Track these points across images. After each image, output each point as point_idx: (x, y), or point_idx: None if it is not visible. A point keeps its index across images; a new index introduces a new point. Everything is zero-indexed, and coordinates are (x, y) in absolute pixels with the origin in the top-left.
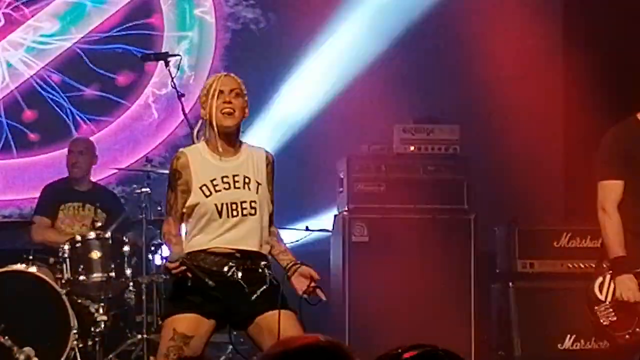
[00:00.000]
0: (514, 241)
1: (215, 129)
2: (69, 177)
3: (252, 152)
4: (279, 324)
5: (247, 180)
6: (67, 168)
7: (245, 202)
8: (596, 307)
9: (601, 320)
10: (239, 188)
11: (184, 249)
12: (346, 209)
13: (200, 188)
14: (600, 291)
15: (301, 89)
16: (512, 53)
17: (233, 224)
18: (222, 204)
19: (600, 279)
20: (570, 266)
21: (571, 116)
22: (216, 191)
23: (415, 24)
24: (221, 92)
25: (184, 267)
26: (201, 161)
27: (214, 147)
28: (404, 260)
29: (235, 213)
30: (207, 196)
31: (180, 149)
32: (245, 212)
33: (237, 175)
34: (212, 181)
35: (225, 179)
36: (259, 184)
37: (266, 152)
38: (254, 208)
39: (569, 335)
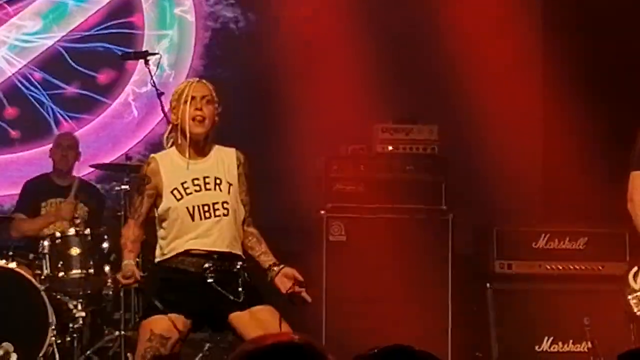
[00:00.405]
0: (492, 242)
1: (188, 135)
2: (50, 173)
3: (222, 153)
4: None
5: (218, 181)
6: (53, 161)
7: (217, 203)
8: (630, 297)
9: (634, 310)
10: (209, 190)
11: (162, 254)
12: (324, 208)
13: (172, 192)
14: (635, 280)
15: (279, 89)
16: (492, 52)
17: (206, 226)
18: (193, 207)
19: (635, 268)
20: (549, 267)
21: (550, 116)
22: (187, 194)
23: (395, 23)
24: (193, 98)
25: (134, 284)
26: (171, 165)
27: (184, 151)
28: (381, 260)
29: (207, 215)
30: (178, 200)
31: (152, 155)
32: (217, 213)
33: (207, 177)
34: (182, 184)
35: (196, 182)
36: (230, 184)
37: (237, 152)
38: (227, 209)
39: (546, 337)
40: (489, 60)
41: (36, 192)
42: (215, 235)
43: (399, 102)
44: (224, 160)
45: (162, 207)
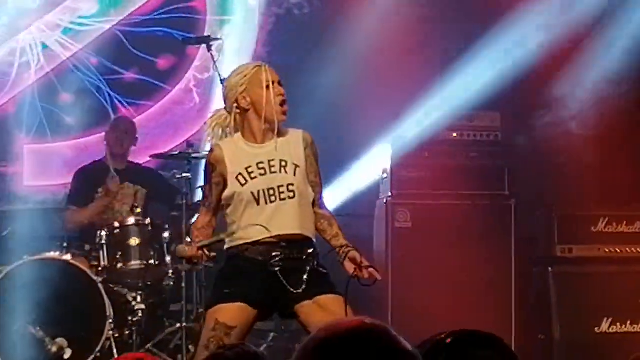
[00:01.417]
0: (553, 227)
1: (263, 119)
2: (104, 158)
3: (289, 135)
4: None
5: (283, 163)
6: (108, 145)
7: (282, 186)
8: None
9: None
10: (275, 172)
11: (229, 240)
12: (389, 194)
13: (236, 178)
14: None
15: (345, 75)
16: (552, 38)
17: (272, 209)
18: (258, 191)
19: None
20: (607, 250)
21: (607, 99)
22: (252, 179)
23: (456, 10)
24: (273, 83)
25: (199, 252)
26: (235, 151)
27: (250, 135)
28: (446, 246)
29: (273, 199)
30: (242, 185)
31: (216, 142)
32: (283, 196)
33: (272, 160)
34: (247, 169)
35: (260, 165)
36: (296, 166)
37: (304, 133)
38: (292, 191)
39: (605, 318)
40: (549, 46)
41: (90, 180)
42: (281, 218)
43: (462, 89)
44: (289, 142)
45: (226, 193)
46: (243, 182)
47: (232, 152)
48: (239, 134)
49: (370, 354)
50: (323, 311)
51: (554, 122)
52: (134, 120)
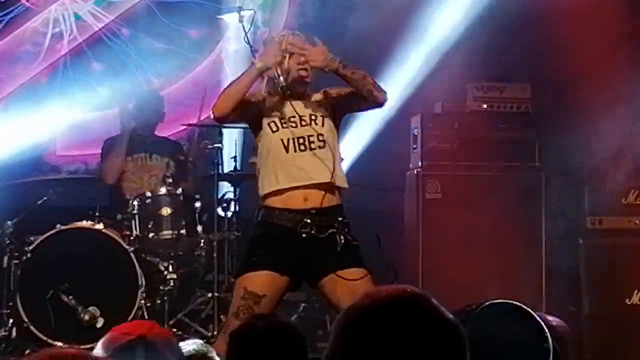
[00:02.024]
0: (583, 198)
1: (289, 83)
2: (132, 130)
3: (318, 94)
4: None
5: (313, 117)
6: (134, 121)
7: (312, 136)
8: None
9: None
10: (305, 125)
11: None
12: (420, 166)
13: (269, 124)
14: None
15: (374, 48)
16: (586, 10)
17: (301, 159)
18: (288, 139)
19: None
20: (637, 222)
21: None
22: (283, 127)
23: None
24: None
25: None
26: (273, 102)
27: (285, 93)
28: (476, 217)
29: (302, 147)
30: (273, 131)
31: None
32: (313, 145)
33: (303, 115)
34: (280, 119)
35: (292, 118)
36: (324, 117)
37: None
38: (322, 141)
39: (636, 290)
40: (582, 17)
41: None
42: (311, 167)
43: (492, 60)
44: (317, 99)
45: (258, 136)
46: (275, 129)
47: (271, 101)
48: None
49: (411, 321)
50: (347, 285)
51: (584, 93)
52: (166, 90)
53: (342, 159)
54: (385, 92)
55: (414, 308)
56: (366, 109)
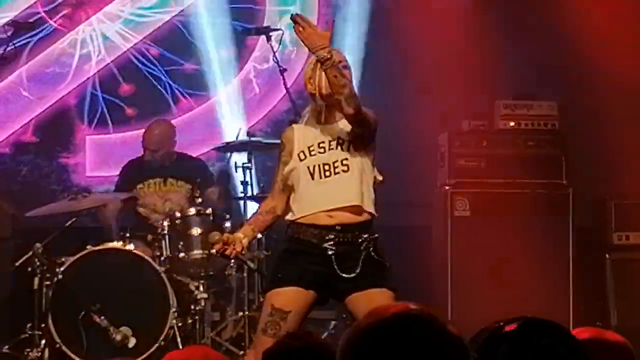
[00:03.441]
0: (610, 214)
1: (322, 99)
2: (143, 156)
3: None
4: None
5: (340, 141)
6: (144, 146)
7: (336, 161)
8: None
9: None
10: (332, 149)
11: (291, 218)
12: (448, 184)
13: (298, 155)
14: None
15: (401, 64)
16: (611, 27)
17: (326, 184)
18: (314, 166)
19: None
20: None
21: None
22: (311, 155)
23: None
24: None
25: (224, 249)
26: (305, 131)
27: (319, 116)
28: (504, 234)
29: (327, 174)
30: (301, 160)
31: (292, 125)
32: (337, 170)
33: (332, 140)
34: (309, 147)
35: (321, 144)
36: (350, 141)
37: None
38: (346, 165)
39: None
40: (608, 35)
41: (132, 175)
42: (335, 192)
43: (519, 78)
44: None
45: (287, 169)
46: (302, 157)
47: (302, 132)
48: (311, 118)
49: (415, 340)
50: (370, 306)
51: (611, 110)
52: (195, 110)
53: (381, 181)
54: (354, 108)
55: (418, 326)
56: (357, 126)
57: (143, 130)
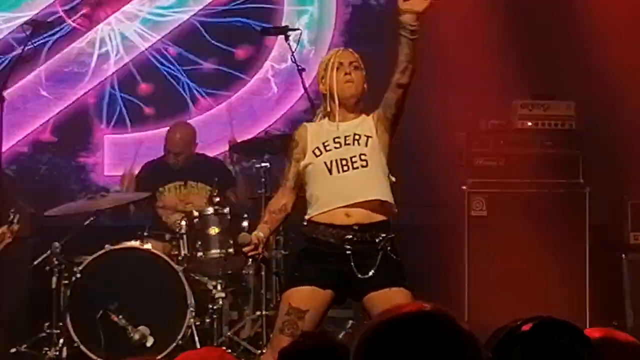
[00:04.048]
0: (626, 214)
1: (337, 100)
2: (164, 158)
3: (364, 115)
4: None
5: (357, 137)
6: (167, 149)
7: (354, 156)
8: None
9: None
10: (349, 144)
11: (308, 214)
12: (465, 183)
13: (313, 151)
14: None
15: (420, 65)
16: (631, 26)
17: (345, 179)
18: (331, 161)
19: None
20: None
21: None
22: (327, 150)
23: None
24: (341, 64)
25: (256, 252)
26: (318, 129)
27: (333, 115)
28: (521, 234)
29: (345, 168)
30: (317, 156)
31: (304, 123)
32: (355, 165)
33: (348, 135)
34: (324, 143)
35: (337, 140)
36: (368, 137)
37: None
38: (365, 160)
39: None
40: (625, 35)
41: (153, 178)
42: (354, 187)
43: (537, 77)
44: (364, 120)
45: (302, 164)
46: (318, 153)
47: (315, 130)
48: (326, 118)
49: (428, 337)
50: (388, 306)
51: (628, 110)
52: (213, 110)
53: (394, 180)
54: (410, 78)
55: (432, 325)
56: (402, 97)
57: (161, 129)
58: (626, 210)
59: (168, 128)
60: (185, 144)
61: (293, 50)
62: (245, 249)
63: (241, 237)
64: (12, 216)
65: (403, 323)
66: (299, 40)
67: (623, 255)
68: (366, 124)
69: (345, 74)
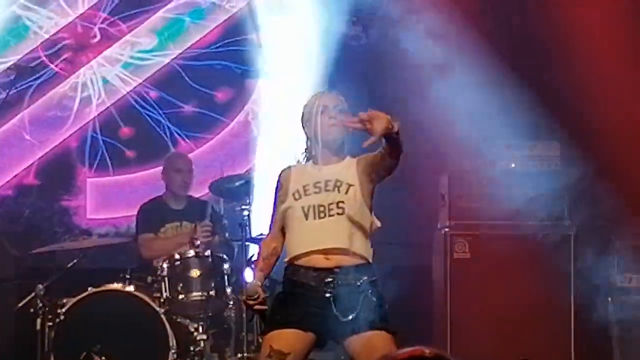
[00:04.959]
0: (613, 256)
1: (320, 143)
2: (164, 196)
3: (347, 160)
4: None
5: (338, 183)
6: (169, 184)
7: (332, 203)
8: None
9: None
10: (329, 191)
11: (287, 259)
12: (448, 225)
13: (293, 194)
14: None
15: (401, 105)
16: (614, 67)
17: (320, 226)
18: (309, 207)
19: None
20: None
21: None
22: (306, 195)
23: (513, 41)
24: (325, 107)
25: (263, 308)
26: (302, 172)
27: (315, 158)
28: (505, 276)
29: (322, 215)
30: (296, 199)
31: (288, 165)
32: (332, 212)
33: (329, 181)
34: (304, 187)
35: (317, 184)
36: (349, 185)
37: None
38: (342, 208)
39: None
40: (611, 73)
41: (154, 216)
42: (328, 234)
43: (521, 118)
44: (347, 166)
45: (282, 207)
46: (297, 197)
47: (298, 172)
48: (311, 161)
49: None
50: (369, 350)
51: (614, 150)
52: (194, 153)
53: (379, 226)
54: (397, 157)
55: None
56: (390, 169)
57: (143, 172)
58: (613, 251)
59: (165, 162)
60: (190, 183)
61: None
62: (250, 302)
63: (250, 291)
64: None
65: None
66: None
67: (609, 298)
68: (349, 171)
69: (330, 117)
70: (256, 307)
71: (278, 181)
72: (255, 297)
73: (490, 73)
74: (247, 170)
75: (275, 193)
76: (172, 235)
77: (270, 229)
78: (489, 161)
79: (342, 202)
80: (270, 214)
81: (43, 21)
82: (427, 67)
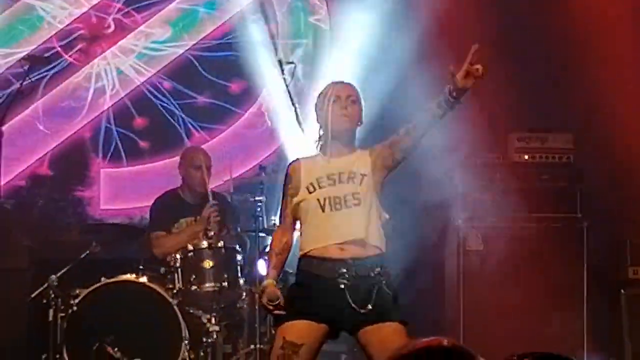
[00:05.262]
0: (625, 249)
1: (330, 133)
2: (179, 190)
3: (360, 151)
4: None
5: (352, 175)
6: (188, 179)
7: (347, 194)
8: None
9: None
10: (343, 182)
11: (301, 251)
12: (461, 218)
13: (306, 187)
14: None
15: (416, 97)
16: (629, 60)
17: (337, 218)
18: (324, 199)
19: None
20: None
21: None
22: (320, 187)
23: (529, 33)
24: (338, 97)
25: (281, 312)
26: (312, 164)
27: (326, 149)
28: (518, 268)
29: (338, 207)
30: (310, 192)
31: (297, 157)
32: (348, 203)
33: (343, 172)
34: (317, 179)
35: (331, 177)
36: (363, 175)
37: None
38: (358, 199)
39: None
40: (625, 68)
41: (168, 211)
42: (346, 225)
43: (534, 110)
44: (360, 156)
45: (295, 200)
46: (312, 190)
47: (309, 164)
48: (319, 151)
49: None
50: (381, 341)
51: (627, 144)
52: (208, 144)
53: (388, 218)
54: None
55: (449, 358)
56: (409, 150)
57: (156, 163)
58: (625, 244)
59: (182, 156)
60: (207, 180)
61: (287, 83)
62: (270, 307)
63: (271, 295)
64: None
65: (423, 357)
66: (293, 74)
67: (621, 290)
68: (362, 161)
69: (342, 107)
70: (275, 312)
71: (287, 174)
72: (276, 302)
73: (504, 66)
74: (260, 161)
75: (284, 186)
76: (186, 228)
77: (280, 222)
78: (501, 153)
79: (358, 193)
80: (280, 207)
81: (57, 11)
82: (440, 58)
